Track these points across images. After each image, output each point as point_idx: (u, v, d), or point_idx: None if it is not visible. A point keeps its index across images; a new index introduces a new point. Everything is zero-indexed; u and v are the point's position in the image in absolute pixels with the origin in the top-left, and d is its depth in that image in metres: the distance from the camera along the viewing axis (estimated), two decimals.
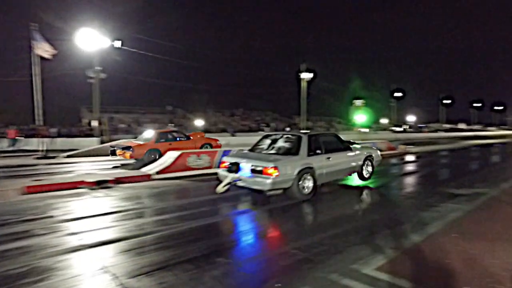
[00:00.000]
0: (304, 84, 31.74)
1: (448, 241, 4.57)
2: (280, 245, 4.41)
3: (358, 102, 18.49)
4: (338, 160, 7.61)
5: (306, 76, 31.11)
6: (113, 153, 13.02)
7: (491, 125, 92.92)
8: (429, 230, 5.06)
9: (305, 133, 7.27)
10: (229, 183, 6.77)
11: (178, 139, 13.94)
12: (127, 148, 12.47)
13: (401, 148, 19.63)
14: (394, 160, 15.66)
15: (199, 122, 47.64)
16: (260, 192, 6.67)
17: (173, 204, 7.01)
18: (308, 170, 6.67)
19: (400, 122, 68.80)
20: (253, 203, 6.85)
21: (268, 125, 52.82)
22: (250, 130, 49.11)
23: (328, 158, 7.26)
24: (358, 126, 20.23)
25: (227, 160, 7.03)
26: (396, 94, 52.75)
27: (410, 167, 13.07)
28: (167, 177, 9.95)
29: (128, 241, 4.63)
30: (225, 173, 6.86)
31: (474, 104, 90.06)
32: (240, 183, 6.69)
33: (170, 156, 11.03)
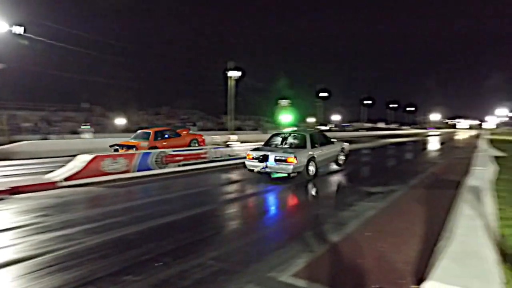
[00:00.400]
0: (231, 83, 31.88)
1: (362, 240, 4.89)
2: (195, 256, 4.27)
3: (283, 102, 19.14)
4: (327, 151, 10.61)
5: (234, 74, 31.27)
6: (116, 151, 13.17)
7: (405, 124, 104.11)
8: (347, 229, 5.37)
9: (307, 132, 10.26)
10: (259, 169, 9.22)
11: (167, 136, 14.88)
12: (131, 146, 13.35)
13: None
14: None
15: (119, 121, 44.93)
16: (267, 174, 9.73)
17: (81, 215, 6.41)
18: (312, 158, 9.36)
19: (326, 121, 73.09)
20: (174, 211, 6.60)
21: (194, 124, 51.97)
22: None
23: (322, 149, 10.13)
24: (285, 125, 20.94)
25: (253, 154, 9.28)
26: (321, 94, 55.86)
27: (334, 166, 13.82)
28: (77, 184, 9.12)
29: (20, 264, 4.07)
30: (255, 163, 9.16)
31: (391, 105, 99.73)
32: (266, 170, 9.01)
33: (81, 160, 10.12)
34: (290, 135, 10.07)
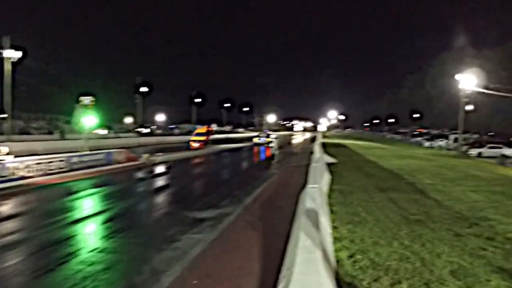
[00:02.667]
0: (8, 67, 27.36)
1: None
2: None
3: (86, 100, 17.55)
4: (274, 137, 41.27)
5: (11, 55, 26.85)
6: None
7: (240, 126, 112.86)
8: (166, 280, 4.97)
9: (269, 133, 47.71)
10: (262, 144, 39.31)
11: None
12: (202, 141, 34.60)
13: (145, 157, 20.01)
14: (139, 174, 15.75)
15: None
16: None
17: None
18: (272, 140, 38.13)
19: (148, 122, 71.76)
20: None
21: None
22: None
23: (272, 136, 41.24)
24: (90, 129, 19.21)
25: (257, 139, 42.53)
26: (142, 89, 54.30)
27: (155, 184, 13.40)
28: None
29: None
30: (259, 141, 41.08)
31: (225, 104, 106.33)
32: (263, 143, 39.64)
33: None
34: (263, 134, 44.71)
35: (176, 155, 24.65)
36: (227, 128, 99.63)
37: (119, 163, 18.04)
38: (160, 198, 10.76)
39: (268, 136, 41.96)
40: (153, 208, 9.57)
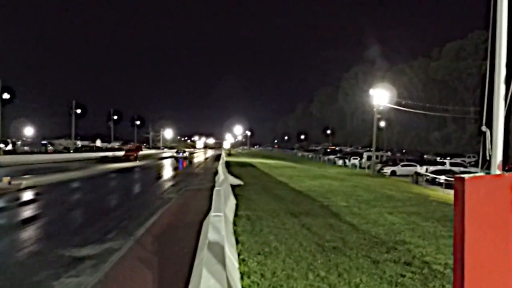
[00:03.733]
0: None
1: None
2: None
3: None
4: (188, 152, 73.44)
5: None
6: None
7: (131, 142, 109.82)
8: None
9: (184, 149, 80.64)
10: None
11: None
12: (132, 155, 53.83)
13: (5, 181, 18.68)
14: None
15: None
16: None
17: None
18: (189, 154, 70.31)
19: (13, 137, 66.82)
20: None
21: None
22: None
23: (187, 151, 73.23)
24: None
25: (176, 154, 64.87)
26: (3, 96, 49.94)
27: (19, 215, 12.51)
28: None
29: None
30: (178, 156, 62.89)
31: (114, 117, 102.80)
32: (182, 156, 61.43)
33: None
34: (180, 150, 68.72)
35: (51, 178, 23.26)
36: (116, 145, 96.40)
37: None
38: (26, 233, 9.89)
39: (184, 152, 66.39)
40: (15, 247, 8.71)
